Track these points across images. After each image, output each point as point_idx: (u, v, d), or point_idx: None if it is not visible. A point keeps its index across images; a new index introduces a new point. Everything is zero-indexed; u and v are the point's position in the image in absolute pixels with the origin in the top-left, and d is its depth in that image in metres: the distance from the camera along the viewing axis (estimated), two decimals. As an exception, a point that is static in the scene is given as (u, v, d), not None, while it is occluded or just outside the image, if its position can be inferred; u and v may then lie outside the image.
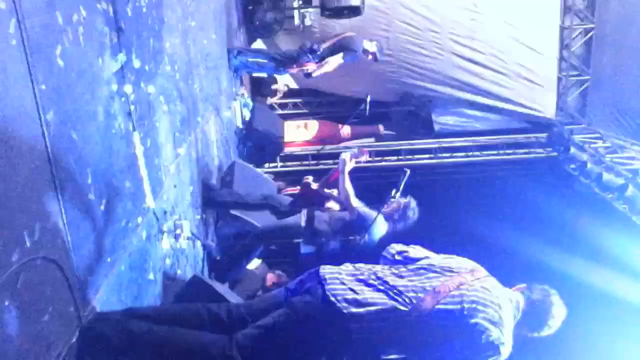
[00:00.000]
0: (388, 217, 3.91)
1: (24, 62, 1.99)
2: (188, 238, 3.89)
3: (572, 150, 6.38)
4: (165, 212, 3.50)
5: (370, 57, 5.70)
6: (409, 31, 7.05)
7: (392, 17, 6.97)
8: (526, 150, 7.25)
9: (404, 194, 4.00)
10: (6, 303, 1.80)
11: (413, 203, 3.97)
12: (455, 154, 7.25)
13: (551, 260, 5.00)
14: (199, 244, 4.20)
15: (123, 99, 2.89)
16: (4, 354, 1.77)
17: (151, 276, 3.15)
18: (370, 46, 5.65)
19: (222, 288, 3.44)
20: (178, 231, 3.69)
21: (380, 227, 3.83)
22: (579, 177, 6.17)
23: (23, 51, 1.98)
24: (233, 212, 4.67)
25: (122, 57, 2.89)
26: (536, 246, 5.16)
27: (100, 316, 2.36)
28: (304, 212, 4.19)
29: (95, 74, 2.60)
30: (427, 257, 2.26)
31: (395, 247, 2.35)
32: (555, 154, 6.91)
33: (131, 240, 2.88)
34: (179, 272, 3.67)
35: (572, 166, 6.32)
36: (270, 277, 5.35)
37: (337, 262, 2.27)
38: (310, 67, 5.56)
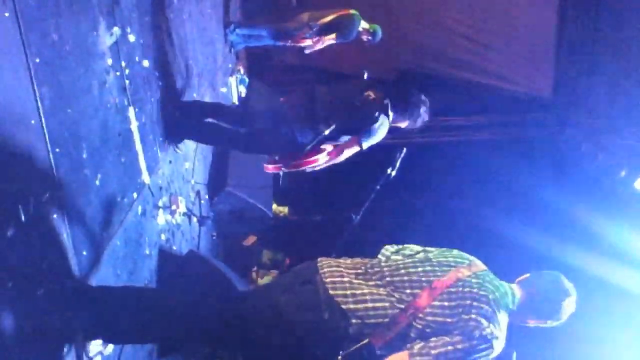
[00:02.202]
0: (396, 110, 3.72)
1: (18, 35, 1.97)
2: (184, 214, 3.91)
3: (568, 130, 6.37)
4: (160, 188, 3.50)
5: (366, 38, 5.62)
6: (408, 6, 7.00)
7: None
8: (520, 130, 7.20)
9: (399, 172, 3.99)
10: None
11: (424, 107, 3.77)
12: (449, 133, 7.21)
13: (545, 247, 4.97)
14: (195, 219, 4.21)
15: (118, 73, 2.87)
16: None
17: (147, 251, 3.17)
18: (367, 28, 5.55)
19: (220, 264, 3.46)
20: (174, 207, 3.70)
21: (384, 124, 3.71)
22: (573, 157, 6.17)
23: (16, 23, 1.96)
24: (228, 189, 4.67)
25: (117, 30, 2.86)
26: (529, 232, 5.11)
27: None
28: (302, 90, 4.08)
29: (90, 47, 2.58)
30: (422, 252, 2.25)
31: (390, 249, 2.34)
32: (550, 134, 6.90)
33: (127, 216, 2.89)
34: (174, 247, 3.69)
35: (567, 147, 6.32)
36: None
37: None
38: (306, 42, 5.50)
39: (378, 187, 4.22)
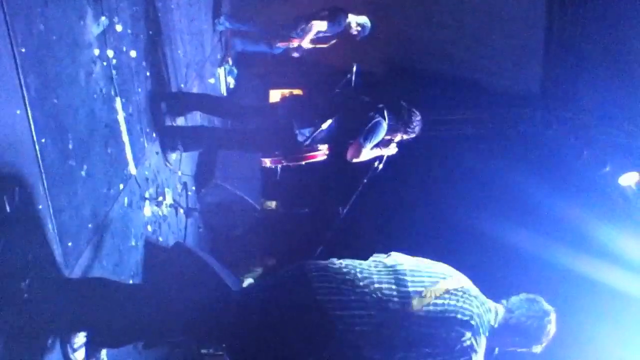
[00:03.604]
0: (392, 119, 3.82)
1: (3, 24, 1.94)
2: (170, 205, 3.89)
3: (554, 126, 6.42)
4: (147, 179, 3.48)
5: (355, 31, 5.62)
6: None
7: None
8: (506, 125, 7.23)
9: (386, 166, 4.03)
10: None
11: (419, 117, 3.89)
12: (436, 127, 7.22)
13: (529, 243, 4.99)
14: (181, 211, 4.20)
15: (105, 63, 2.85)
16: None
17: (133, 243, 3.16)
18: (356, 21, 5.55)
19: (207, 256, 3.45)
20: (160, 198, 3.69)
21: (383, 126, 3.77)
22: (559, 153, 6.22)
23: (2, 12, 1.93)
24: (216, 181, 4.67)
25: (104, 20, 2.84)
26: (513, 228, 5.11)
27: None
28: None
29: (77, 37, 2.55)
30: (411, 262, 2.25)
31: (379, 256, 2.34)
32: (536, 129, 6.94)
33: (113, 207, 2.87)
34: (160, 239, 3.68)
35: (553, 142, 6.36)
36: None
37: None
38: (296, 42, 5.53)
39: (365, 180, 4.26)
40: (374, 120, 3.71)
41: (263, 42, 5.92)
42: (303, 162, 4.16)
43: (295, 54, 5.73)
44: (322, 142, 3.93)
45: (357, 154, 3.71)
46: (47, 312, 2.10)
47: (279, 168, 4.34)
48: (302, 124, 3.77)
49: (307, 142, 3.81)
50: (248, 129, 4.15)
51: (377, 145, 3.83)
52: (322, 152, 4.13)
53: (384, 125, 3.74)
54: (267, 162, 4.17)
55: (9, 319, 1.90)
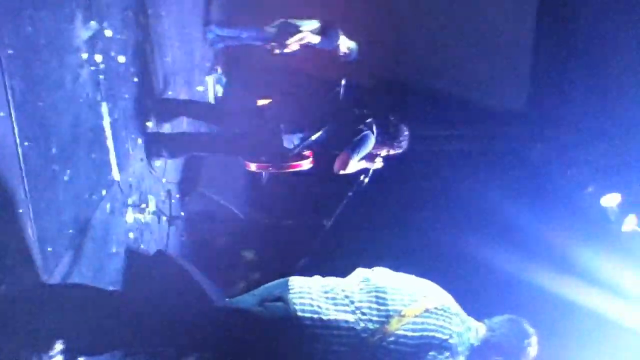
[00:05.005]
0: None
1: (-10, 25, 1.92)
2: (153, 213, 3.86)
3: (539, 145, 6.48)
4: (130, 186, 3.45)
5: (342, 53, 5.64)
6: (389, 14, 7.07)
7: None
8: (492, 143, 7.27)
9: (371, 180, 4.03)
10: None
11: (406, 132, 3.91)
12: (422, 142, 7.25)
13: (513, 267, 4.98)
14: (164, 219, 4.16)
15: (93, 67, 2.83)
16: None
17: (114, 249, 3.12)
18: (346, 44, 5.57)
19: (190, 266, 3.41)
20: (143, 205, 3.66)
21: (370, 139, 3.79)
22: (544, 172, 6.28)
23: (-11, 13, 1.91)
24: (201, 189, 4.64)
25: (93, 24, 2.82)
26: (495, 248, 5.12)
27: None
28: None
29: (65, 41, 2.53)
30: (392, 280, 2.25)
31: (361, 273, 2.34)
32: (521, 148, 7.00)
33: (94, 213, 2.84)
34: (142, 247, 3.64)
35: (538, 161, 6.42)
36: None
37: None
38: (287, 47, 5.50)
39: (350, 194, 4.26)
40: (363, 133, 3.73)
41: (247, 39, 5.80)
42: (289, 170, 4.14)
43: (277, 51, 5.65)
44: (309, 149, 3.94)
45: (344, 165, 3.72)
46: (23, 319, 2.06)
47: (264, 174, 4.32)
48: (291, 128, 3.77)
49: (296, 150, 3.81)
50: (234, 134, 4.13)
51: (363, 159, 3.84)
52: (308, 161, 4.13)
53: (372, 138, 3.76)
54: (253, 167, 4.14)
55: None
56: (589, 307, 4.61)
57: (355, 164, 3.78)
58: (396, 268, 2.31)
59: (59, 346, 2.19)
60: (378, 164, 3.98)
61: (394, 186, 5.75)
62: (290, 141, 3.80)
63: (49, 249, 2.33)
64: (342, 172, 3.77)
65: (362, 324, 2.03)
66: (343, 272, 2.36)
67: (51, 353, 2.17)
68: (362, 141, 3.72)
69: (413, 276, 2.28)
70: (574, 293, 4.67)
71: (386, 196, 5.80)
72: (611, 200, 5.09)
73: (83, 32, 2.71)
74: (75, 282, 2.53)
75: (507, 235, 5.36)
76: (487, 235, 5.29)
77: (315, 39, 5.39)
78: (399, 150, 3.95)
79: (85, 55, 2.73)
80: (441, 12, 7.08)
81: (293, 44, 5.42)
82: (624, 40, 5.75)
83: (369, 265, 2.37)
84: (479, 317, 2.26)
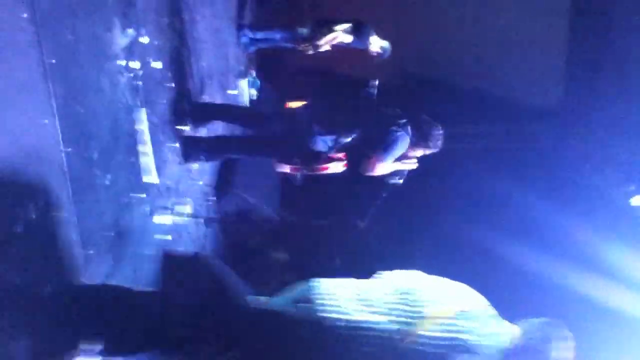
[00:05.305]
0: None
1: (35, 35, 1.99)
2: (190, 215, 3.92)
3: (574, 143, 6.35)
4: (168, 189, 3.52)
5: (376, 53, 5.61)
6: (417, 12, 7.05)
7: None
8: (526, 141, 7.14)
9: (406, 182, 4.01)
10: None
11: (441, 130, 3.87)
12: (457, 141, 7.17)
13: (547, 270, 4.89)
14: (201, 221, 4.23)
15: (131, 74, 2.90)
16: None
17: (152, 251, 3.18)
18: (378, 43, 5.55)
19: (225, 267, 3.46)
20: (180, 208, 3.72)
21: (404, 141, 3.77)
22: (578, 170, 6.14)
23: (33, 24, 1.98)
24: (235, 190, 4.69)
25: (131, 32, 2.89)
26: (531, 253, 5.02)
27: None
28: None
29: (104, 48, 2.61)
30: (423, 282, 2.23)
31: (388, 275, 2.33)
32: (555, 146, 6.87)
33: (134, 215, 2.91)
34: (180, 248, 3.71)
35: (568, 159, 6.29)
36: None
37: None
38: (320, 47, 5.51)
39: (384, 195, 4.24)
40: (397, 134, 3.70)
41: (280, 40, 5.83)
42: (321, 172, 4.15)
43: (310, 51, 5.66)
44: (342, 151, 3.93)
45: (375, 167, 3.70)
46: (66, 319, 2.13)
47: (298, 175, 4.34)
48: (324, 130, 3.77)
49: (329, 152, 3.81)
50: (268, 136, 4.16)
51: (398, 160, 3.82)
52: (341, 163, 4.12)
53: (407, 140, 3.72)
54: (286, 169, 4.17)
55: (29, 324, 1.93)
56: (620, 309, 4.51)
57: (388, 167, 3.76)
58: (428, 270, 2.30)
59: (98, 346, 2.26)
60: (412, 164, 3.95)
61: (424, 186, 5.71)
62: (324, 143, 3.80)
63: (91, 250, 2.40)
64: (371, 174, 3.75)
65: (393, 325, 2.02)
66: (376, 271, 2.36)
67: (91, 352, 2.24)
68: (395, 143, 3.68)
69: (445, 279, 2.26)
70: (606, 295, 4.56)
71: (416, 196, 5.76)
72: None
73: (121, 40, 2.79)
74: (116, 284, 2.60)
75: (540, 236, 5.27)
76: (520, 236, 5.19)
77: (348, 39, 5.38)
78: (435, 150, 3.90)
79: (123, 62, 2.80)
80: (474, 10, 7.01)
81: (325, 45, 5.43)
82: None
83: (401, 267, 2.36)
84: (513, 320, 2.23)
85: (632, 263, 4.60)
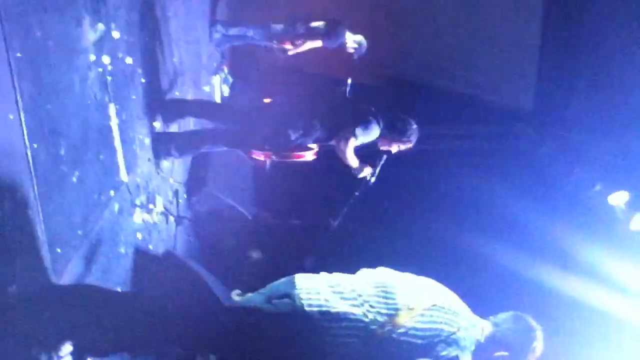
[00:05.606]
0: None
1: (0, 29, 1.94)
2: (161, 213, 3.88)
3: (546, 144, 6.44)
4: (138, 186, 3.47)
5: (352, 49, 5.61)
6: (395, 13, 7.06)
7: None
8: (498, 142, 7.23)
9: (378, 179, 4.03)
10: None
11: (414, 125, 3.91)
12: (429, 141, 7.23)
13: (519, 266, 4.95)
14: (172, 219, 4.19)
15: (100, 69, 2.85)
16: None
17: (122, 250, 3.14)
18: (353, 40, 5.55)
19: (198, 267, 3.44)
20: (151, 206, 3.68)
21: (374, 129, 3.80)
22: (550, 171, 6.25)
23: (-1, 17, 1.93)
24: (208, 189, 4.66)
25: (101, 27, 2.84)
26: (503, 250, 5.08)
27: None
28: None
29: (73, 43, 2.55)
30: (398, 277, 2.27)
31: (367, 271, 2.35)
32: (528, 146, 6.97)
33: (103, 213, 2.86)
34: (150, 247, 3.66)
35: (545, 160, 6.39)
36: None
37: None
38: (288, 45, 5.51)
39: (357, 193, 4.26)
40: (368, 120, 3.74)
41: (252, 37, 5.80)
42: (292, 160, 4.14)
43: (282, 55, 5.68)
44: (314, 141, 3.95)
45: (347, 143, 3.70)
46: (33, 320, 2.08)
47: (267, 162, 4.34)
48: (296, 123, 3.78)
49: (299, 139, 3.81)
50: (240, 129, 4.14)
51: (370, 156, 3.85)
52: (311, 152, 4.13)
53: (377, 128, 3.76)
54: (256, 156, 4.15)
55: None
56: (596, 306, 4.59)
57: (356, 144, 3.75)
58: (401, 268, 2.32)
59: (68, 347, 2.22)
60: (383, 161, 3.97)
61: (399, 185, 5.74)
62: (297, 130, 3.81)
63: (58, 249, 2.35)
64: (343, 151, 3.74)
65: (370, 316, 2.05)
66: (349, 272, 2.37)
67: (60, 354, 2.20)
68: (367, 123, 3.72)
69: (418, 276, 2.30)
70: (581, 292, 4.65)
71: (391, 195, 5.80)
72: (619, 198, 5.07)
73: (91, 35, 2.73)
74: (84, 283, 2.55)
75: (514, 234, 5.35)
76: (493, 234, 5.27)
77: (317, 44, 5.38)
78: (409, 145, 3.93)
79: (93, 57, 2.75)
80: (448, 10, 7.06)
81: (298, 49, 5.44)
82: (629, 39, 5.71)
83: (374, 265, 2.39)
84: (484, 316, 2.27)
85: (607, 261, 4.71)
